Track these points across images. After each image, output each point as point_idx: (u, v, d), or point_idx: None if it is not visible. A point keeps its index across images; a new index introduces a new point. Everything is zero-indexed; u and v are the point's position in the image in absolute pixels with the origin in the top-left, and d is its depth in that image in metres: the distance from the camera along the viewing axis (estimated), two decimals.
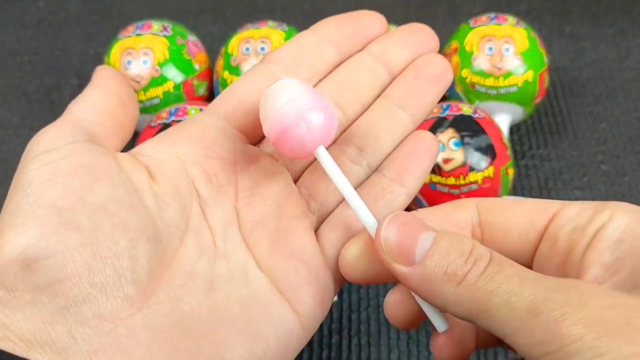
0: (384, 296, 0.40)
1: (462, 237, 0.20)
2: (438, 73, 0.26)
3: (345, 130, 0.26)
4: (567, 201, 0.22)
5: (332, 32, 0.26)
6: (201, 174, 0.23)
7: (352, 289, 0.40)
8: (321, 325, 0.39)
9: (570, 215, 0.21)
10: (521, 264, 0.19)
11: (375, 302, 0.40)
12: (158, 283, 0.20)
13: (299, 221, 0.24)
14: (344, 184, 0.23)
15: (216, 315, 0.21)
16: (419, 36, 0.26)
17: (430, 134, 0.26)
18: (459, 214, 0.22)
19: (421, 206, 0.40)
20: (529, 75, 0.43)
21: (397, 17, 0.58)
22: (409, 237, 0.19)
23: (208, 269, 0.22)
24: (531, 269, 0.21)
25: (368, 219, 0.22)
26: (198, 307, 0.21)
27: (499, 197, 0.39)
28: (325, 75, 0.26)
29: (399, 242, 0.20)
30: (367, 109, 0.26)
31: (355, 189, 0.23)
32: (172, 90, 0.44)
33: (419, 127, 0.27)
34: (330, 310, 0.40)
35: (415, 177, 0.25)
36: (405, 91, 0.26)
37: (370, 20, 0.27)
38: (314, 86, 0.26)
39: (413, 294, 0.21)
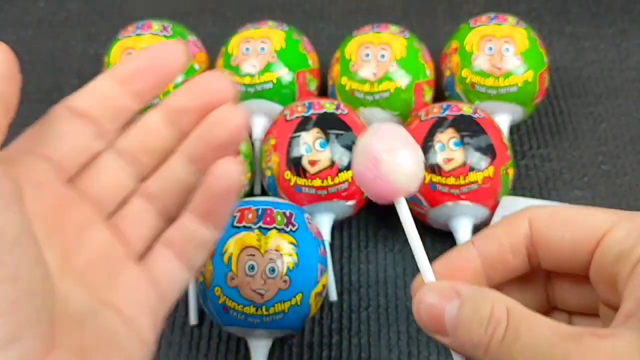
0: (384, 297, 0.40)
1: (482, 301, 0.21)
2: (229, 135, 0.25)
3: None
4: (619, 216, 0.22)
5: (131, 77, 0.25)
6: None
7: (352, 289, 0.40)
8: (321, 325, 0.39)
9: (617, 238, 0.21)
10: (580, 277, 0.21)
11: (375, 302, 0.40)
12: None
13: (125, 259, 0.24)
14: (415, 237, 0.25)
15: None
16: (212, 87, 0.25)
17: (227, 164, 0.24)
18: (511, 237, 0.23)
19: (421, 206, 0.40)
20: (529, 75, 0.43)
21: (397, 17, 0.58)
22: (436, 314, 0.22)
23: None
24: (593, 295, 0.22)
25: (429, 276, 0.25)
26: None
27: (498, 200, 0.39)
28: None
29: (430, 319, 0.22)
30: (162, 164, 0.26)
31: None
32: (172, 90, 0.44)
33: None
34: (331, 310, 0.40)
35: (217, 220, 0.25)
36: (198, 150, 0.25)
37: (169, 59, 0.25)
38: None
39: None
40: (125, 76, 0.24)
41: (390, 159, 0.23)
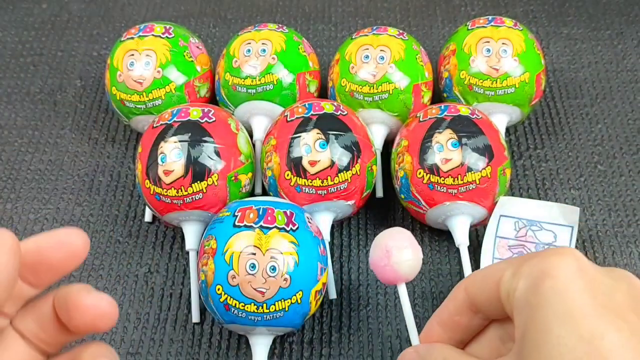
0: (383, 295, 0.40)
1: (427, 355, 0.28)
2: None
3: None
4: (511, 262, 0.26)
5: None
6: None
7: (352, 288, 0.41)
8: (321, 323, 0.39)
9: (505, 281, 0.26)
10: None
11: (374, 300, 0.40)
12: None
13: None
14: (409, 315, 0.32)
15: None
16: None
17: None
18: (455, 303, 0.29)
19: (419, 206, 0.40)
20: (526, 76, 0.44)
21: (396, 19, 0.59)
22: None
23: None
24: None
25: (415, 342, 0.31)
26: None
27: (496, 200, 0.40)
28: None
29: None
30: None
31: None
32: (174, 91, 0.45)
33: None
34: (330, 308, 0.40)
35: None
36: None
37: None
38: None
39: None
40: (25, 263, 0.22)
41: (398, 254, 0.32)
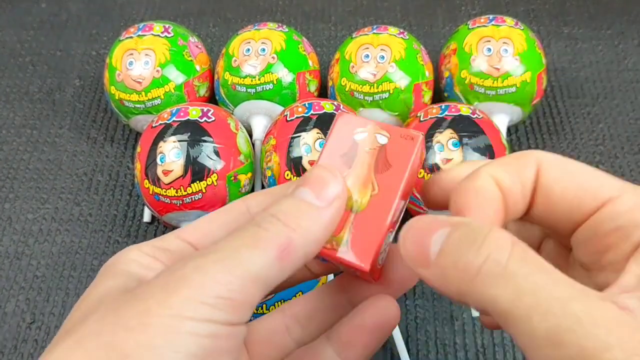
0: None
1: (477, 227, 0.18)
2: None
3: None
4: (625, 186, 0.20)
5: None
6: None
7: None
8: None
9: (622, 210, 0.19)
10: (560, 238, 0.18)
11: None
12: None
13: None
14: (396, 328, 0.31)
15: None
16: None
17: (391, 300, 0.23)
18: (522, 178, 0.20)
19: (420, 206, 0.40)
20: (527, 76, 0.44)
21: (396, 18, 0.59)
22: (423, 240, 0.18)
23: None
24: (569, 244, 0.21)
25: None
26: None
27: None
28: None
29: (414, 243, 0.19)
30: None
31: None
32: (173, 91, 0.44)
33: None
34: None
35: (358, 354, 0.23)
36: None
37: None
38: None
39: None
40: None
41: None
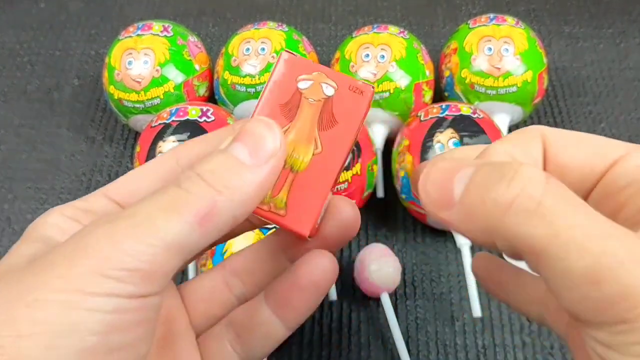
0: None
1: (507, 162, 0.16)
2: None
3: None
4: (631, 145, 0.20)
5: None
6: None
7: (352, 289, 0.41)
8: (321, 324, 0.39)
9: (630, 168, 0.19)
10: None
11: (374, 301, 0.40)
12: None
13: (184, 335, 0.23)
14: (395, 325, 0.33)
15: None
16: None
17: (327, 256, 0.22)
18: (528, 156, 0.20)
19: (421, 206, 0.40)
20: (528, 75, 0.44)
21: (396, 17, 0.59)
22: (445, 181, 0.17)
23: None
24: None
25: None
26: None
27: None
28: None
29: (437, 188, 0.17)
30: None
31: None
32: (172, 90, 0.44)
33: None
34: (330, 310, 0.40)
35: (294, 313, 0.22)
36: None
37: None
38: None
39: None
40: None
41: (375, 266, 0.36)
